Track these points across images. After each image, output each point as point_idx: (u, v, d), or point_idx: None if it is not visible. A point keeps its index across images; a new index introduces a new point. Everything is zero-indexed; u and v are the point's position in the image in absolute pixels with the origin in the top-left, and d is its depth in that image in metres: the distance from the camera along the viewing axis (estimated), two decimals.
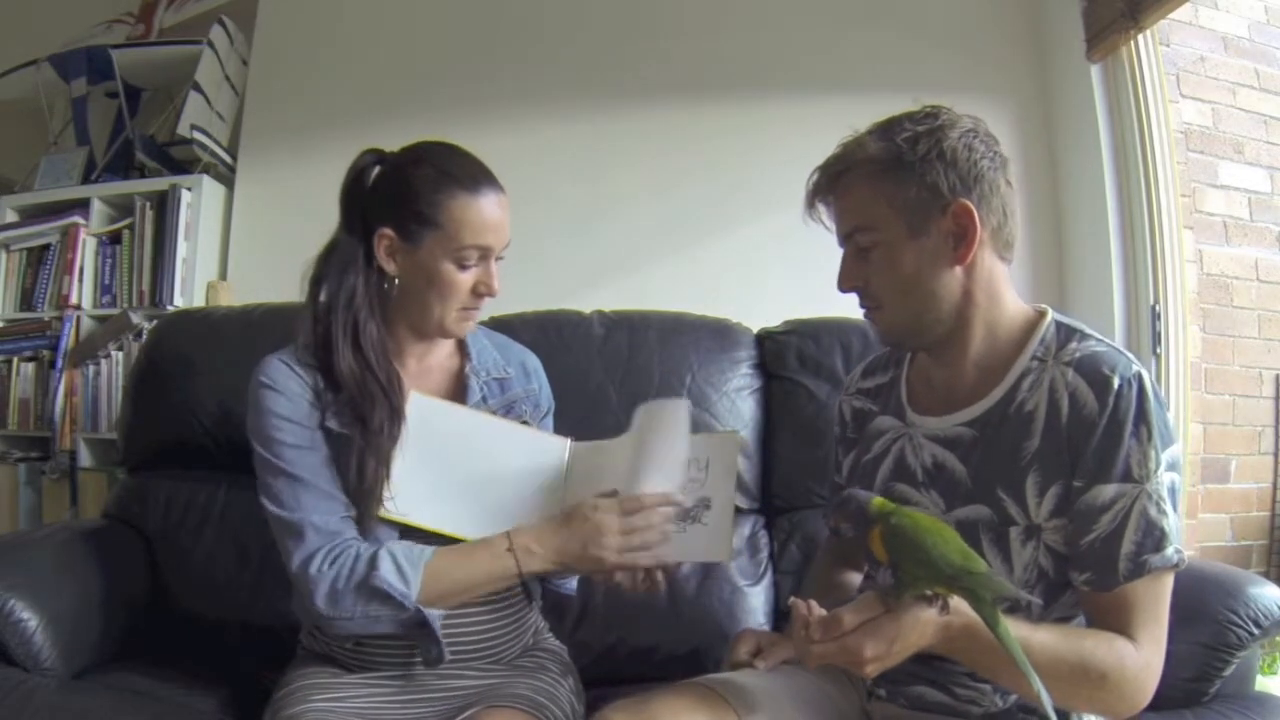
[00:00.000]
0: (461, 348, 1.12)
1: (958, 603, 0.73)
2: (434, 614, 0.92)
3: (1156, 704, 0.78)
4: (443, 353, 1.10)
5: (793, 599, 0.77)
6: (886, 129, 0.85)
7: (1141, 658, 0.76)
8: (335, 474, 0.97)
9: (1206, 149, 2.06)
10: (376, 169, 1.03)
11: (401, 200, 0.99)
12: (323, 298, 1.01)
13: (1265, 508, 2.07)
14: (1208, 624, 1.06)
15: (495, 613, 1.02)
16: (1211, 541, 1.98)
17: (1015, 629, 0.72)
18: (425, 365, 1.08)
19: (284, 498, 0.95)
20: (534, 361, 1.20)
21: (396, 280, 1.01)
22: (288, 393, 0.98)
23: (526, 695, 0.95)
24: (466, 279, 1.00)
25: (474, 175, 1.00)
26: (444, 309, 1.00)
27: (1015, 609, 0.77)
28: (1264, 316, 2.09)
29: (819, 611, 0.74)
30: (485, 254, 1.00)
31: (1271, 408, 2.09)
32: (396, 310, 1.04)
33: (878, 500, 0.78)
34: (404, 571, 0.91)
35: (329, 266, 1.02)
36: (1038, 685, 0.69)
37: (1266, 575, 1.24)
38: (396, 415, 0.99)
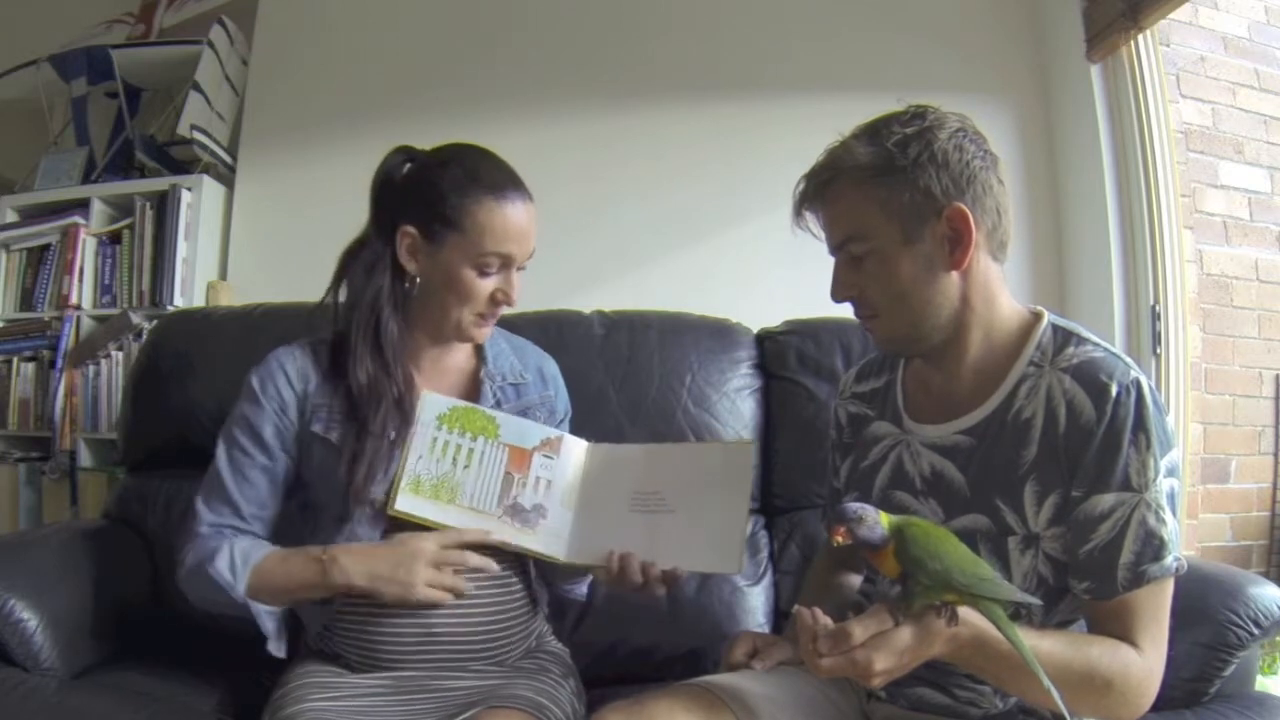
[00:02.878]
0: (478, 351, 1.12)
1: (965, 613, 0.73)
2: (261, 608, 0.98)
3: (1156, 704, 0.78)
4: (459, 356, 1.11)
5: (797, 607, 0.75)
6: (874, 133, 0.83)
7: (1146, 664, 0.76)
8: (267, 485, 1.03)
9: (1206, 149, 2.06)
10: (406, 166, 1.04)
11: (426, 200, 1.00)
12: (344, 295, 1.04)
13: (1265, 508, 2.07)
14: (1208, 624, 1.06)
15: (497, 617, 1.02)
16: (1211, 541, 1.98)
17: (1023, 637, 0.72)
18: (440, 368, 1.08)
19: (208, 494, 1.03)
20: (552, 368, 1.20)
21: (417, 280, 1.03)
22: (267, 395, 1.03)
23: (527, 696, 0.94)
24: (486, 285, 1.00)
25: (501, 182, 1.00)
26: (460, 313, 1.01)
27: (1018, 615, 0.77)
28: (1264, 316, 2.09)
29: (824, 620, 0.73)
30: (507, 262, 1.01)
31: (1271, 408, 2.09)
32: (415, 312, 1.05)
33: (885, 517, 0.76)
34: (235, 567, 0.97)
35: (355, 264, 1.04)
36: (1048, 684, 0.68)
37: (1266, 575, 1.24)
38: (405, 420, 1.01)
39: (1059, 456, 0.79)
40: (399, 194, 1.02)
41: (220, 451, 1.04)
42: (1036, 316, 0.87)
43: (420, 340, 1.07)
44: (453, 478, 1.00)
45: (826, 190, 0.85)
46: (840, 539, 0.74)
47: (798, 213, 0.89)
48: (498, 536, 0.99)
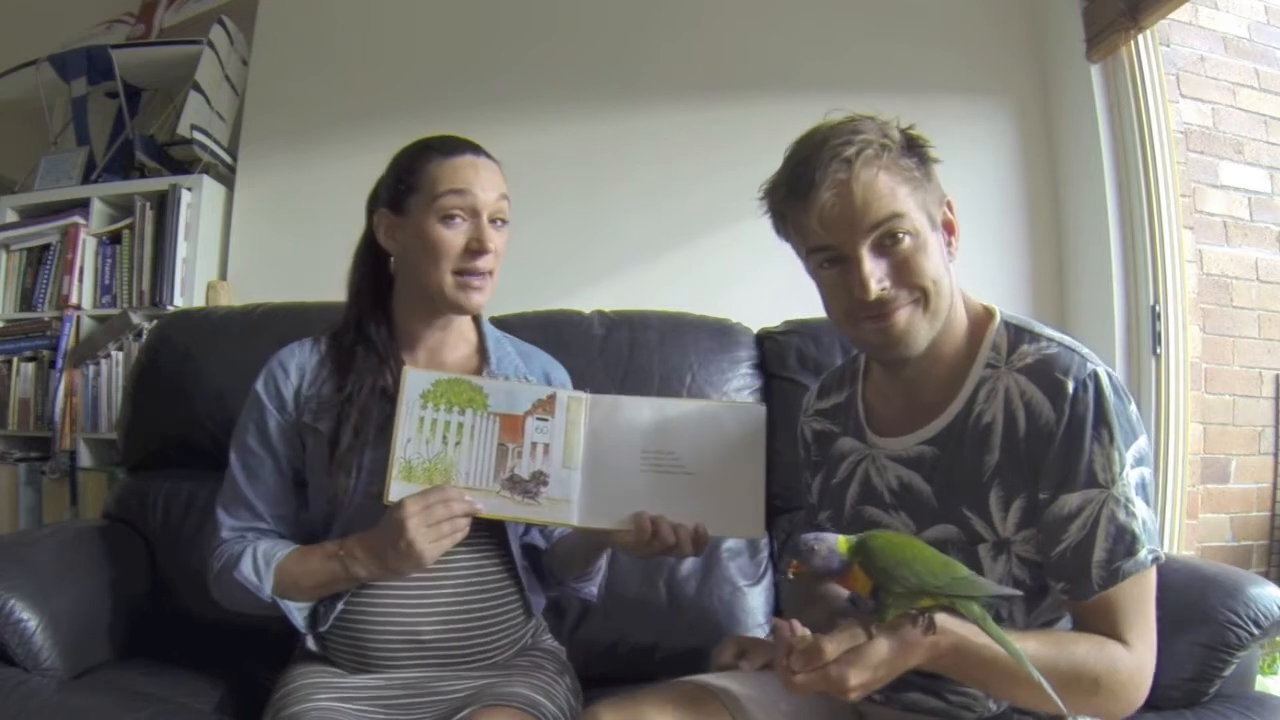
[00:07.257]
0: (482, 351, 1.11)
1: (943, 620, 0.71)
2: (289, 605, 0.99)
3: (1157, 704, 0.78)
4: (459, 351, 1.10)
5: (775, 620, 0.75)
6: (881, 124, 0.81)
7: (1134, 659, 0.75)
8: (280, 484, 1.05)
9: (1206, 149, 2.06)
10: None
11: (392, 178, 1.05)
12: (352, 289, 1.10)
13: (1265, 508, 2.07)
14: (1208, 624, 1.05)
15: (486, 624, 1.02)
16: (1211, 541, 1.98)
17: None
18: (438, 360, 1.08)
19: (227, 501, 1.06)
20: (561, 374, 1.18)
21: (401, 259, 1.05)
22: (269, 395, 1.06)
23: (523, 694, 0.94)
24: (455, 237, 1.00)
25: (451, 144, 1.04)
26: (438, 272, 1.01)
27: (1000, 618, 0.76)
28: (1264, 316, 2.09)
29: (803, 633, 0.72)
30: (470, 208, 1.00)
31: (1271, 408, 2.09)
32: (404, 296, 1.07)
33: (843, 540, 0.74)
34: (259, 569, 0.99)
35: (354, 261, 1.11)
36: (1038, 676, 0.67)
37: (1266, 575, 1.24)
38: (384, 396, 1.01)
39: (1021, 460, 0.78)
40: (374, 194, 1.09)
41: (233, 459, 1.06)
42: (989, 314, 0.85)
43: (416, 329, 1.07)
44: (445, 458, 0.96)
45: (863, 171, 0.78)
46: (794, 573, 0.74)
47: (817, 197, 0.79)
48: (485, 509, 0.95)
